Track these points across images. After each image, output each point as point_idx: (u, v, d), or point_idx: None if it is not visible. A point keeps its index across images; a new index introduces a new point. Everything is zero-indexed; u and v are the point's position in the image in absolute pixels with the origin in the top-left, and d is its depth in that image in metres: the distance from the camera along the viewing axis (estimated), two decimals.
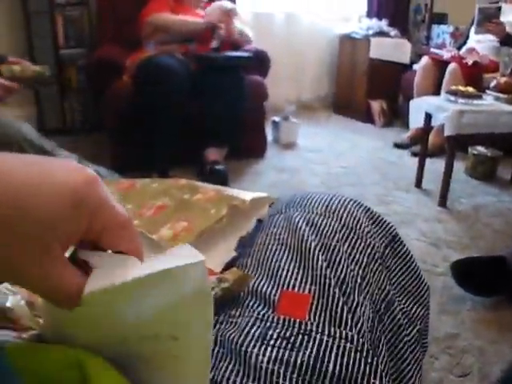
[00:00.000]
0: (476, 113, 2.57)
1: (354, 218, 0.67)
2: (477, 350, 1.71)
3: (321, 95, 5.04)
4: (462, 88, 2.79)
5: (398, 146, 3.87)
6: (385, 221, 0.72)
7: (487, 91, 2.92)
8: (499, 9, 3.66)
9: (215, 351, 0.51)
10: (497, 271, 1.91)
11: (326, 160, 3.52)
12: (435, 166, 3.29)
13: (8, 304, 0.51)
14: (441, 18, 4.77)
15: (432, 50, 4.23)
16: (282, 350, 0.49)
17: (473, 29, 3.98)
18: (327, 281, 0.57)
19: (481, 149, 3.24)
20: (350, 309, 0.55)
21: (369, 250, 0.64)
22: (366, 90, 4.53)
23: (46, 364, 0.34)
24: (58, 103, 3.70)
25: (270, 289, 0.57)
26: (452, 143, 2.69)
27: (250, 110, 3.10)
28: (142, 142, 2.77)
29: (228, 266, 0.62)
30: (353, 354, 0.50)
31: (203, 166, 2.88)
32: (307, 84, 4.92)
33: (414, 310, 0.68)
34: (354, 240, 0.64)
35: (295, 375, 0.48)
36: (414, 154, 3.57)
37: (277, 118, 3.80)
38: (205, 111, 2.91)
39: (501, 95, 2.77)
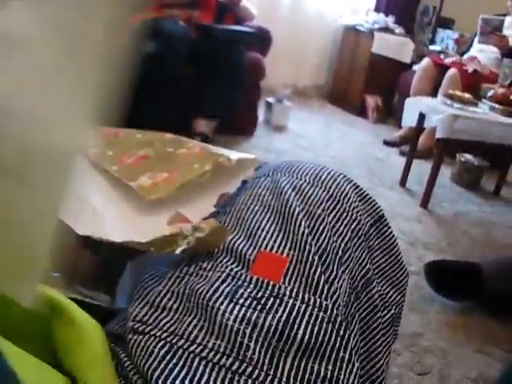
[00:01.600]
0: (470, 119, 2.56)
1: (343, 192, 0.64)
2: (439, 350, 1.71)
3: (318, 83, 5.01)
4: (459, 93, 2.78)
5: (387, 143, 3.87)
6: (373, 200, 0.69)
7: (483, 100, 2.91)
8: (502, 21, 3.66)
9: (181, 304, 0.49)
10: (469, 277, 1.91)
11: (314, 147, 3.50)
12: (422, 168, 3.29)
13: None
14: (447, 23, 4.75)
15: (431, 48, 4.20)
16: (250, 310, 0.47)
17: (477, 38, 3.97)
18: (307, 247, 0.54)
19: (468, 157, 3.24)
20: (328, 279, 0.53)
21: (353, 225, 0.62)
22: (364, 84, 4.51)
23: None
24: None
25: (246, 248, 0.54)
26: (441, 146, 2.69)
27: (245, 86, 3.05)
28: (130, 104, 2.71)
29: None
30: (325, 324, 0.48)
31: (190, 136, 2.83)
32: (306, 71, 4.88)
33: (390, 294, 0.66)
34: (339, 212, 0.61)
35: (261, 338, 0.45)
36: (403, 154, 3.57)
37: (270, 99, 3.76)
38: (200, 81, 2.86)
39: (496, 106, 2.76)
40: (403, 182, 3.07)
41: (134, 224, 0.58)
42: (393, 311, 0.65)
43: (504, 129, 2.60)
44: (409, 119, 2.99)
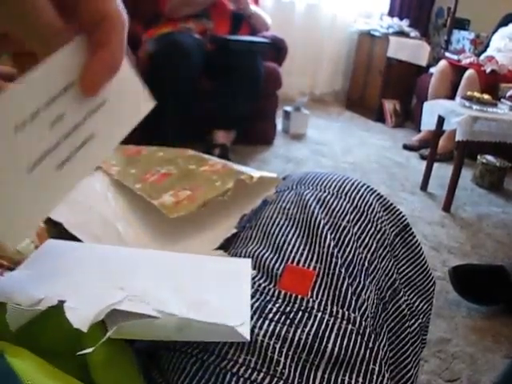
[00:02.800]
0: (489, 120, 2.54)
1: (366, 202, 0.65)
2: (468, 356, 1.69)
3: (335, 90, 5.01)
4: (477, 94, 2.76)
5: (407, 147, 3.84)
6: (397, 209, 0.69)
7: (503, 100, 2.88)
8: None
9: None
10: (495, 281, 1.89)
11: (333, 154, 3.50)
12: (442, 171, 3.27)
13: (17, 247, 0.50)
14: (462, 24, 4.72)
15: (447, 54, 4.17)
16: (279, 325, 0.47)
17: (494, 37, 3.94)
18: (334, 260, 0.55)
19: (490, 158, 3.21)
20: (355, 291, 0.53)
21: (378, 236, 0.62)
22: (381, 88, 4.49)
23: None
24: None
25: (273, 262, 0.55)
26: (462, 149, 2.67)
27: (262, 96, 3.07)
28: (153, 118, 2.74)
29: (227, 242, 0.60)
30: (354, 336, 0.48)
31: (210, 147, 2.85)
32: (322, 77, 4.88)
33: (417, 303, 0.66)
34: (364, 223, 0.62)
35: (291, 352, 0.46)
36: (423, 157, 3.55)
37: (288, 108, 3.77)
38: (217, 92, 2.89)
39: None
40: (424, 186, 3.04)
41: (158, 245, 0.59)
42: (420, 320, 0.65)
43: None
44: (428, 122, 2.97)
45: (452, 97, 3.43)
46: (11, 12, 0.30)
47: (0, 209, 0.30)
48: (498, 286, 1.89)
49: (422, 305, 0.67)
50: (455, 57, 3.96)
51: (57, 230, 0.56)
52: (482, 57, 3.77)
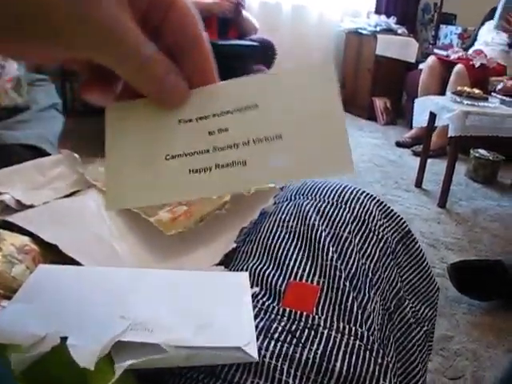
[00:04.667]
0: (481, 115, 2.54)
1: (367, 211, 0.64)
2: (471, 353, 1.69)
3: None
4: (467, 89, 2.76)
5: (399, 144, 3.84)
6: (398, 215, 0.68)
7: (493, 94, 2.88)
8: None
9: None
10: (494, 276, 1.89)
11: None
12: (436, 167, 3.27)
13: (12, 274, 0.49)
14: (449, 19, 4.73)
15: (435, 50, 4.18)
16: (286, 345, 0.46)
17: (481, 31, 3.95)
18: (337, 273, 0.54)
19: (483, 152, 3.21)
20: (361, 304, 0.52)
21: (381, 245, 0.61)
22: (371, 87, 4.50)
23: None
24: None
25: (276, 278, 0.54)
26: (455, 144, 2.67)
27: None
28: None
29: (227, 257, 0.59)
30: (362, 352, 0.47)
31: None
32: None
33: (421, 310, 0.65)
34: (366, 233, 0.60)
35: (299, 372, 0.44)
36: (416, 154, 3.55)
37: None
38: None
39: (507, 98, 2.74)
40: (419, 182, 3.04)
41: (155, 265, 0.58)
42: (426, 327, 0.64)
43: None
44: (419, 119, 2.98)
45: (442, 92, 3.44)
46: (99, 38, 0.29)
47: (123, 171, 0.33)
48: (498, 281, 1.88)
49: (426, 311, 0.66)
50: (444, 52, 3.97)
51: (52, 252, 0.55)
52: (471, 51, 3.79)
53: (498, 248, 2.37)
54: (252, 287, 0.52)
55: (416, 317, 0.63)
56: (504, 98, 2.76)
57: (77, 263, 0.53)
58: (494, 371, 1.62)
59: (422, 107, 2.92)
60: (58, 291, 0.45)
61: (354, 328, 0.49)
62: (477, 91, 2.74)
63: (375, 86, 4.47)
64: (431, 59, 3.87)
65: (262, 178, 0.33)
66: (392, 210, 0.68)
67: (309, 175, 0.36)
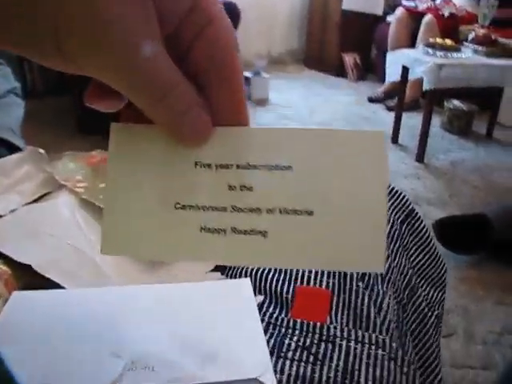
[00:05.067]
0: (455, 66, 2.50)
1: None
2: (461, 309, 1.69)
3: (292, 49, 4.90)
4: (439, 41, 2.71)
5: (372, 100, 3.79)
6: (400, 193, 0.64)
7: (465, 43, 2.84)
8: None
9: None
10: (479, 229, 1.89)
11: (299, 116, 3.43)
12: (411, 121, 3.24)
13: None
14: None
15: (404, 2, 4.09)
16: (303, 365, 0.41)
17: None
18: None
19: (457, 103, 3.18)
20: (375, 303, 0.47)
21: (387, 229, 0.56)
22: (339, 43, 4.40)
23: None
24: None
25: (280, 283, 0.48)
26: (430, 98, 2.64)
27: None
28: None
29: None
30: (386, 362, 0.42)
31: None
32: (278, 37, 4.76)
33: (431, 293, 0.61)
34: None
35: None
36: (389, 109, 3.52)
37: (247, 73, 3.66)
38: None
39: (479, 48, 2.70)
40: (395, 138, 3.01)
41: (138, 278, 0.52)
42: (437, 311, 0.60)
43: (490, 70, 2.55)
44: (392, 74, 2.93)
45: (412, 44, 3.39)
46: (109, 58, 0.23)
47: (125, 211, 0.29)
48: (482, 234, 1.88)
49: (436, 294, 0.62)
50: (412, 3, 3.88)
51: (26, 273, 0.48)
52: (439, 0, 3.71)
53: (479, 200, 2.37)
54: (255, 295, 0.47)
55: (428, 303, 0.59)
56: (476, 47, 2.72)
57: (55, 283, 0.47)
58: (484, 325, 1.63)
59: (395, 61, 2.87)
60: (38, 326, 0.39)
61: (374, 336, 0.44)
62: (449, 42, 2.69)
63: (343, 41, 4.38)
64: (399, 11, 3.79)
65: (281, 259, 0.28)
66: (393, 188, 0.63)
67: (334, 266, 0.30)
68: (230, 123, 0.28)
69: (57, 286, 0.47)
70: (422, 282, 0.61)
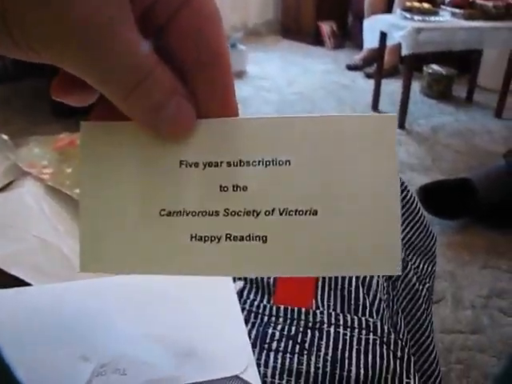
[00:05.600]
0: (433, 30, 2.46)
1: None
2: (448, 274, 1.69)
3: (268, 20, 4.81)
4: (417, 4, 2.67)
5: (350, 67, 3.75)
6: None
7: (442, 7, 2.80)
8: None
9: None
10: (463, 194, 1.88)
11: (277, 87, 3.38)
12: (390, 87, 3.20)
13: None
14: None
15: None
16: (288, 356, 0.38)
17: None
18: None
19: (436, 67, 3.15)
20: (364, 283, 0.44)
21: None
22: (315, 11, 4.33)
23: None
24: None
25: None
26: (409, 63, 2.60)
27: None
28: None
29: None
30: (378, 348, 0.40)
31: None
32: (253, 8, 4.67)
33: (421, 266, 0.59)
34: None
35: None
36: (368, 76, 3.48)
37: None
38: None
39: (457, 11, 2.66)
40: (375, 104, 2.98)
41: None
42: (428, 284, 0.58)
43: (468, 33, 2.51)
44: (370, 40, 2.89)
45: (389, 10, 3.34)
46: (73, 44, 0.19)
47: (103, 222, 0.25)
48: (467, 199, 1.87)
49: (426, 267, 0.60)
50: None
51: None
52: None
53: (462, 164, 2.36)
54: (234, 281, 0.44)
55: (418, 276, 0.56)
56: (454, 10, 2.68)
57: (21, 281, 0.44)
58: (471, 289, 1.63)
59: (372, 27, 2.82)
60: (1, 328, 0.36)
61: (364, 319, 0.42)
62: (426, 6, 2.65)
63: (319, 9, 4.31)
64: None
65: (284, 266, 0.25)
66: None
67: (344, 271, 0.26)
68: (217, 114, 0.24)
69: (21, 282, 0.44)
70: (411, 254, 0.59)
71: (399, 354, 0.40)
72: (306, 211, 0.24)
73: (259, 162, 0.24)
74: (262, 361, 0.38)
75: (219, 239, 0.24)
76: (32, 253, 0.47)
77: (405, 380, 0.39)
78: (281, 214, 0.24)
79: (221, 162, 0.24)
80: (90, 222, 0.25)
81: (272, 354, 0.38)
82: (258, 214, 0.24)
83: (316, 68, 3.84)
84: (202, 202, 0.25)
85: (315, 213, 0.24)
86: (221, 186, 0.24)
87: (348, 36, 4.41)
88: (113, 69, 0.20)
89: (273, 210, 0.24)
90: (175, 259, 0.25)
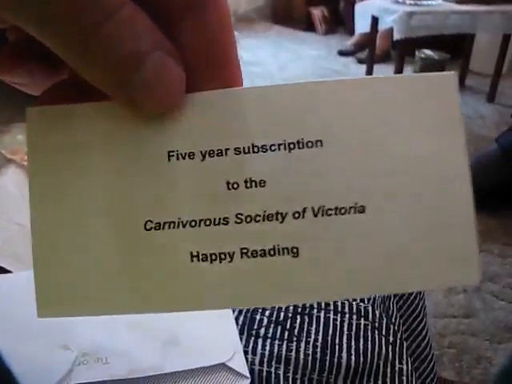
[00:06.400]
0: (425, 14, 2.44)
1: None
2: None
3: (258, 6, 4.77)
4: None
5: (342, 53, 3.72)
6: None
7: None
8: None
9: None
10: None
11: (268, 73, 3.36)
12: (382, 72, 3.19)
13: None
14: None
15: None
16: (277, 343, 0.37)
17: None
18: None
19: (428, 52, 3.13)
20: None
21: None
22: None
23: None
24: None
25: None
26: (401, 48, 2.59)
27: None
28: None
29: None
30: (370, 333, 0.39)
31: None
32: None
33: None
34: None
35: (299, 375, 0.36)
36: (360, 61, 3.46)
37: None
38: None
39: None
40: None
41: None
42: None
43: (461, 17, 2.49)
44: (362, 25, 2.87)
45: None
46: None
47: (64, 246, 0.18)
48: None
49: None
50: None
51: None
52: None
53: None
54: None
55: None
56: None
57: (1, 268, 0.42)
58: None
59: (363, 12, 2.79)
60: None
61: (355, 304, 0.41)
62: None
63: None
64: None
65: (325, 288, 0.18)
66: None
67: (406, 287, 0.19)
68: (215, 84, 0.18)
69: (2, 270, 0.43)
70: None
71: (391, 339, 0.39)
72: (350, 208, 0.18)
73: (279, 145, 0.18)
74: (250, 348, 0.36)
75: (231, 257, 0.18)
76: (13, 241, 0.46)
77: (397, 365, 0.38)
78: (315, 216, 0.18)
79: (226, 150, 0.18)
80: (46, 247, 0.19)
81: (260, 341, 0.37)
82: (283, 218, 0.18)
83: (307, 54, 3.81)
84: (204, 206, 0.18)
85: (362, 210, 0.18)
86: (228, 183, 0.18)
87: (340, 21, 4.37)
88: (64, 13, 0.15)
89: (304, 211, 0.18)
90: (170, 290, 0.18)
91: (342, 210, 0.18)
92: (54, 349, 0.31)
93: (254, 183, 0.18)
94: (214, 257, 0.18)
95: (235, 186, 0.18)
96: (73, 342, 0.31)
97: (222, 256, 0.18)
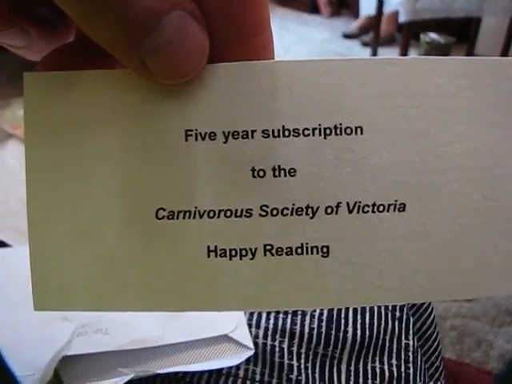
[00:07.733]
0: None
1: None
2: None
3: None
4: None
5: (347, 36, 3.69)
6: None
7: None
8: None
9: None
10: None
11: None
12: (387, 56, 3.16)
13: None
14: None
15: None
16: (281, 316, 0.37)
17: None
18: None
19: (433, 36, 3.10)
20: None
21: None
22: None
23: None
24: None
25: None
26: (406, 31, 2.56)
27: None
28: None
29: None
30: (376, 308, 0.38)
31: None
32: None
33: None
34: None
35: (304, 349, 0.35)
36: (365, 44, 3.43)
37: None
38: None
39: None
40: None
41: None
42: None
43: (468, 0, 2.47)
44: (367, 7, 2.85)
45: None
46: None
47: (64, 233, 0.17)
48: None
49: None
50: None
51: None
52: None
53: None
54: None
55: None
56: None
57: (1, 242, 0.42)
58: None
59: None
60: None
61: None
62: None
63: None
64: None
65: (358, 291, 0.16)
66: None
67: (447, 295, 0.18)
68: (244, 55, 0.16)
69: (1, 244, 0.42)
70: None
71: (398, 314, 0.39)
72: (389, 206, 0.16)
73: (314, 130, 0.16)
74: (254, 321, 0.36)
75: (254, 253, 0.16)
76: (14, 214, 0.45)
77: (403, 341, 0.37)
78: (350, 212, 0.16)
79: (252, 132, 0.16)
80: (43, 235, 0.17)
81: (264, 315, 0.37)
82: (314, 213, 0.16)
83: (312, 36, 3.78)
84: (224, 195, 0.16)
85: (402, 208, 0.16)
86: (254, 170, 0.16)
87: (345, 3, 4.33)
88: None
89: (337, 206, 0.16)
90: (181, 288, 0.16)
91: (380, 208, 0.16)
92: (52, 320, 0.30)
93: (282, 171, 0.16)
94: (233, 253, 0.16)
95: (261, 173, 0.16)
96: (72, 314, 0.31)
97: (243, 252, 0.16)
